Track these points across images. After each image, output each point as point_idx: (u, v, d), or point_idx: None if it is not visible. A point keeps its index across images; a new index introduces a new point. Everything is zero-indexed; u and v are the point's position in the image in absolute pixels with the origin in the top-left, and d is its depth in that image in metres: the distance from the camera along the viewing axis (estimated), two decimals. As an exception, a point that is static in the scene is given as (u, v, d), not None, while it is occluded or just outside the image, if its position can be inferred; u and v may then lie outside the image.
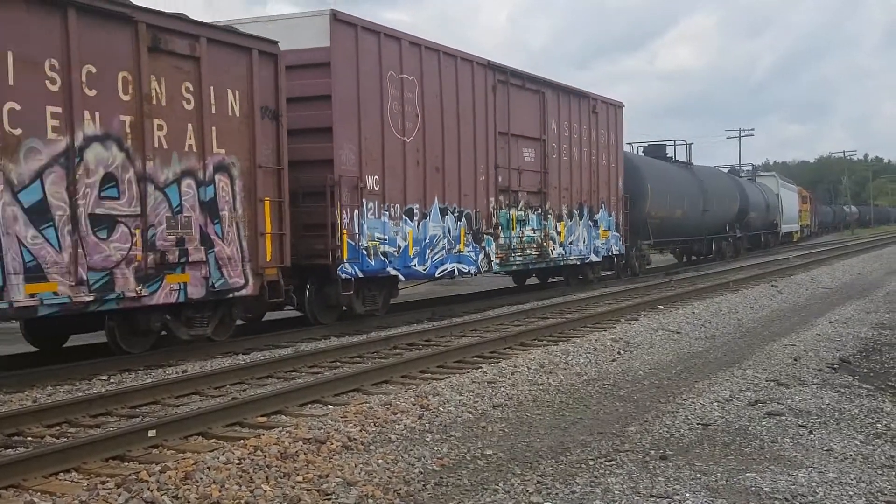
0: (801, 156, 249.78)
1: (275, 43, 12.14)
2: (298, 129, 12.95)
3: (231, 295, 11.64)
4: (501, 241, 17.71)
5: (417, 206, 15.18)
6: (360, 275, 13.85)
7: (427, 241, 15.43)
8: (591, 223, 21.59)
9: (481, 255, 17.07)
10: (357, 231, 13.69)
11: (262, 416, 7.97)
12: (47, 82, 9.23)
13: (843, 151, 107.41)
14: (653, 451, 6.61)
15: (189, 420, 7.48)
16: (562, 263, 20.73)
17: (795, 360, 10.65)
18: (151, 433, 7.00)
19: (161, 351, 11.52)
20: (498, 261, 17.68)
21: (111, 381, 9.89)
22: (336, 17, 13.29)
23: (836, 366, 10.44)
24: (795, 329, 13.56)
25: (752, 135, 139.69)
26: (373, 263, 14.13)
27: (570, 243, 20.56)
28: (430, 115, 15.42)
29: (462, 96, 16.32)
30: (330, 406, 8.47)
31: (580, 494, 5.60)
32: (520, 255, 18.47)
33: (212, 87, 11.10)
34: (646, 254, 26.66)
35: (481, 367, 10.04)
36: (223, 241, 11.35)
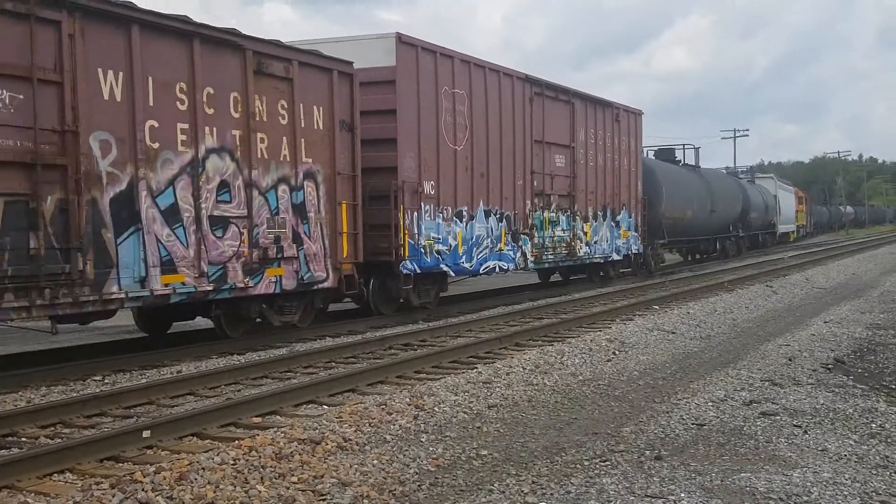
0: (795, 156, 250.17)
1: (351, 63, 13.66)
2: (367, 140, 14.28)
3: (316, 287, 13.22)
4: (536, 240, 19.19)
5: (466, 208, 16.72)
6: (418, 270, 15.37)
7: (473, 240, 17.00)
8: (613, 224, 23.03)
9: (518, 254, 18.59)
10: (416, 231, 15.23)
11: (257, 416, 7.95)
12: (178, 103, 10.87)
13: (838, 152, 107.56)
14: (648, 452, 6.61)
15: (184, 420, 7.46)
16: (587, 261, 22.18)
17: (790, 360, 10.66)
18: (146, 434, 6.99)
19: (155, 351, 11.53)
20: (533, 258, 19.19)
21: (105, 381, 9.87)
22: (401, 39, 14.78)
23: (830, 366, 10.47)
24: (790, 329, 13.58)
25: (747, 135, 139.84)
26: (428, 260, 15.65)
27: (595, 243, 22.00)
28: (477, 125, 16.88)
29: (504, 108, 17.76)
30: (325, 406, 8.46)
31: (575, 495, 5.60)
32: (551, 254, 19.95)
33: (301, 105, 12.71)
34: (660, 252, 27.87)
35: (476, 368, 10.04)
36: (310, 239, 12.97)
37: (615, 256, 23.27)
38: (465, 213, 16.63)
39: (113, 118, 10.02)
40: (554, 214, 19.87)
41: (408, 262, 14.94)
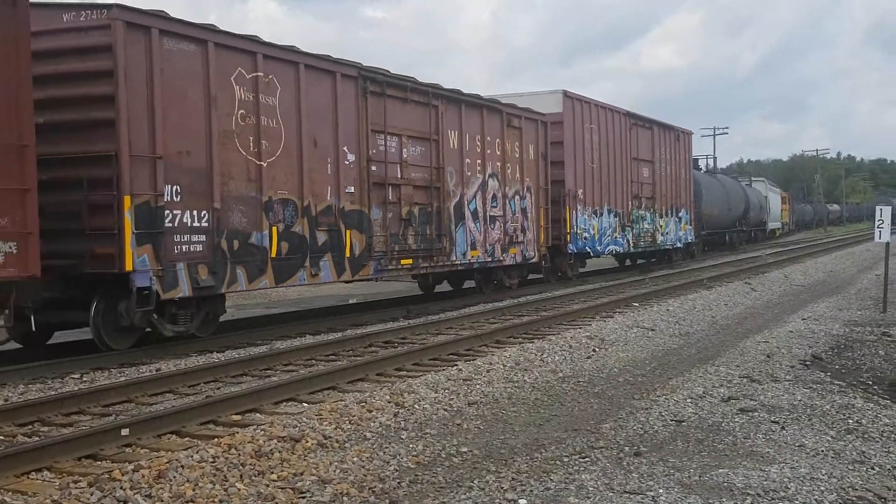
0: (777, 154, 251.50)
1: (545, 115, 20.78)
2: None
3: (529, 262, 20.48)
4: (634, 231, 26.09)
5: (598, 207, 23.69)
6: (575, 251, 22.44)
7: (602, 230, 23.91)
8: (677, 219, 29.97)
9: (624, 241, 25.47)
10: (574, 224, 22.16)
11: (236, 414, 7.93)
12: (476, 147, 17.99)
13: (817, 150, 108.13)
14: (627, 448, 6.64)
15: (163, 418, 7.43)
16: (662, 248, 29.21)
17: (768, 356, 10.73)
18: (125, 432, 6.95)
19: (136, 349, 11.45)
20: (633, 244, 26.13)
21: (84, 379, 9.81)
22: (566, 94, 22.10)
23: (808, 362, 10.54)
24: (768, 326, 13.67)
25: (727, 133, 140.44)
26: (580, 244, 22.63)
27: (667, 234, 28.99)
28: (602, 149, 23.84)
29: (615, 136, 24.69)
30: (305, 404, 8.45)
31: (555, 491, 5.62)
32: (643, 241, 26.86)
33: (524, 143, 19.84)
34: (699, 242, 34.99)
35: (457, 365, 10.05)
36: (528, 230, 20.15)
37: (678, 245, 30.33)
38: (598, 211, 23.58)
39: (453, 158, 17.16)
40: (643, 212, 26.74)
41: (570, 245, 21.95)
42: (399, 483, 5.82)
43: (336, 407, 7.73)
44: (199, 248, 11.53)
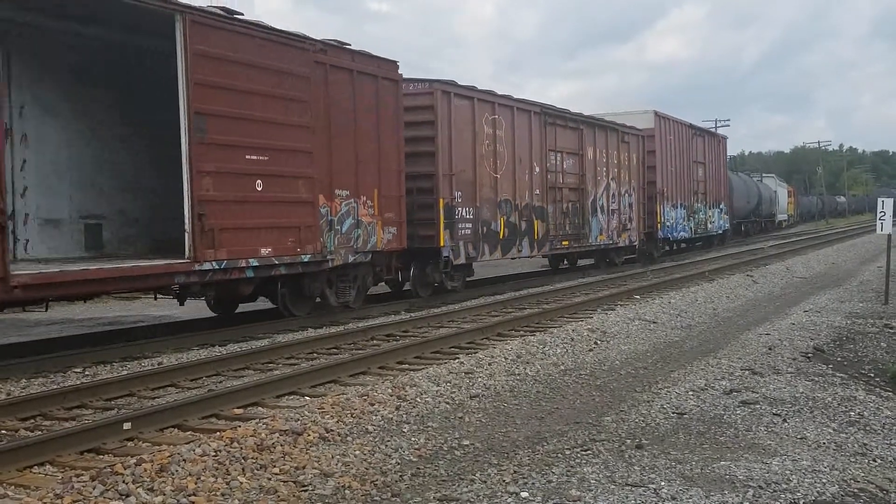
0: (779, 145, 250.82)
1: (642, 130, 26.51)
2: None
3: (632, 244, 26.17)
4: (695, 220, 32.33)
5: (675, 202, 29.74)
6: (661, 236, 28.55)
7: (677, 220, 30.06)
8: (719, 210, 36.17)
9: (689, 228, 31.60)
10: (662, 216, 28.17)
11: (238, 407, 7.94)
12: (602, 157, 23.59)
13: (819, 141, 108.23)
14: (629, 441, 6.64)
15: (165, 412, 7.44)
16: (709, 234, 35.26)
17: (770, 349, 10.73)
18: (127, 426, 6.96)
19: (136, 343, 11.48)
20: (694, 232, 32.37)
21: (86, 373, 9.82)
22: (656, 114, 28.02)
23: (810, 354, 10.54)
24: (770, 318, 13.66)
25: (729, 125, 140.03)
26: (664, 232, 28.67)
27: (713, 222, 35.12)
28: (677, 155, 29.93)
29: (684, 143, 30.65)
30: (307, 398, 8.45)
31: (556, 484, 5.62)
32: (699, 229, 33.15)
33: (630, 154, 25.60)
34: (731, 230, 40.79)
35: (459, 358, 10.04)
36: (633, 221, 25.84)
37: (719, 232, 36.58)
38: (675, 205, 29.61)
39: (590, 167, 22.83)
40: (699, 205, 32.88)
41: (659, 232, 28.01)
42: (401, 476, 5.82)
43: (338, 400, 7.73)
44: (468, 231, 17.68)
